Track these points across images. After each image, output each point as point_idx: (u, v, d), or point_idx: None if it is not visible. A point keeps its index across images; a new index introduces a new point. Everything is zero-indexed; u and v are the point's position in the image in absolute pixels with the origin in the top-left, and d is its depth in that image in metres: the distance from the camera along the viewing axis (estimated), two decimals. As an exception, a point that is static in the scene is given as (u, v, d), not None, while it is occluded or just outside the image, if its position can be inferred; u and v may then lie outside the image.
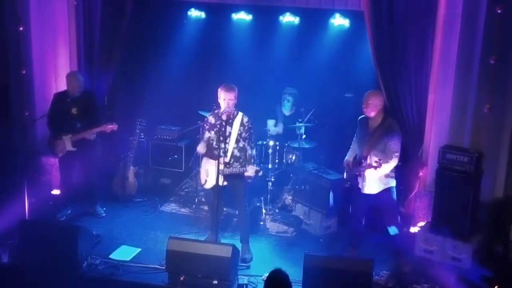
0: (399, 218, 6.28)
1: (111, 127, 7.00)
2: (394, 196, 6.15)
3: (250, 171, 6.19)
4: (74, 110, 6.95)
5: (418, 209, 6.85)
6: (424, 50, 6.57)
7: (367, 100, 5.99)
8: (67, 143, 6.99)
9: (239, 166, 6.27)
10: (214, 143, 6.29)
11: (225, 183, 6.28)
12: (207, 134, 6.38)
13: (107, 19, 7.57)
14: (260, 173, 6.30)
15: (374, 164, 5.74)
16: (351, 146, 6.35)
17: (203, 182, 6.47)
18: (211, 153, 6.35)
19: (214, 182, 6.22)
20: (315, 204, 7.17)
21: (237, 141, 6.31)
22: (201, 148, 6.41)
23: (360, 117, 6.18)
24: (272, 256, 6.61)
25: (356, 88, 7.56)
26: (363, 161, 6.01)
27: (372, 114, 5.99)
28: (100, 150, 7.40)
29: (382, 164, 5.77)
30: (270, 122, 8.04)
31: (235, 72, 8.11)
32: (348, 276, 5.54)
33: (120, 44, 7.66)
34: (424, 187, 6.81)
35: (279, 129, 7.95)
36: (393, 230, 6.17)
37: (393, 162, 5.88)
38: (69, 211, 7.34)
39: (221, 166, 6.19)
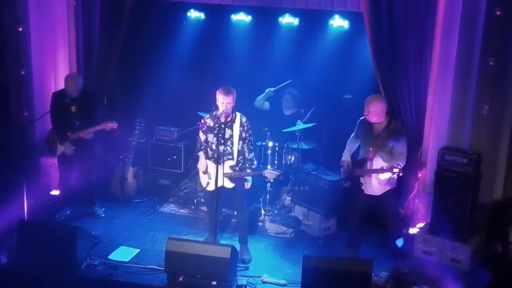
0: (399, 219, 6.27)
1: (111, 125, 7.01)
2: (396, 197, 6.14)
3: (269, 175, 6.20)
4: (73, 108, 6.97)
5: (417, 211, 6.85)
6: (424, 51, 6.58)
7: (368, 108, 5.96)
8: (66, 143, 6.99)
9: (249, 170, 6.28)
10: (214, 146, 6.29)
11: (233, 185, 6.29)
12: (202, 137, 6.36)
13: (107, 19, 7.57)
14: (281, 177, 6.30)
15: (395, 170, 5.68)
16: (346, 146, 6.34)
17: (204, 184, 6.46)
18: (211, 156, 6.35)
19: (214, 186, 6.22)
20: (314, 205, 7.17)
21: (238, 143, 6.31)
22: (201, 166, 6.44)
23: (361, 118, 6.17)
24: (271, 257, 6.61)
25: (355, 89, 7.58)
26: (368, 162, 6.01)
27: (375, 119, 5.98)
28: (99, 150, 7.39)
29: (398, 168, 5.73)
30: (260, 97, 8.04)
31: (234, 73, 8.11)
32: (347, 277, 5.53)
33: (119, 45, 7.67)
34: (423, 188, 6.81)
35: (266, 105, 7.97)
36: (400, 241, 6.18)
37: (402, 164, 5.87)
38: (68, 212, 7.34)
39: (228, 170, 6.20)
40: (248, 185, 6.39)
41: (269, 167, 7.51)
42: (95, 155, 7.32)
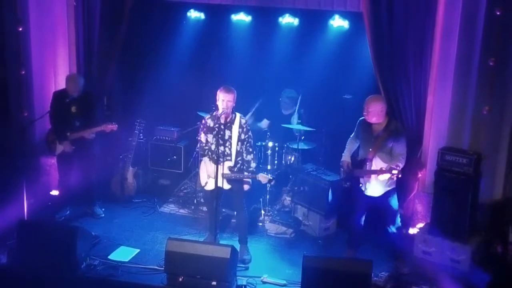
0: (399, 220, 6.26)
1: (111, 127, 7.01)
2: (396, 198, 6.14)
3: (262, 179, 6.18)
4: (73, 109, 6.96)
5: (417, 211, 6.85)
6: (423, 51, 6.58)
7: (367, 108, 5.95)
8: (65, 142, 6.99)
9: (246, 173, 6.27)
10: (213, 146, 6.29)
11: (229, 186, 6.29)
12: (203, 138, 6.36)
13: (106, 19, 7.58)
14: (273, 183, 6.28)
15: (394, 172, 5.68)
16: (346, 146, 6.34)
17: (203, 183, 6.47)
18: (211, 156, 6.36)
19: (213, 185, 6.22)
20: (314, 205, 7.17)
21: (237, 145, 6.31)
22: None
23: (361, 119, 6.16)
24: (271, 257, 6.61)
25: (355, 89, 7.59)
26: (367, 163, 6.01)
27: (374, 120, 5.98)
28: (98, 150, 7.39)
29: (397, 169, 5.73)
30: (265, 122, 8.05)
31: (234, 73, 8.11)
32: (347, 277, 5.53)
33: (119, 45, 7.67)
34: (423, 188, 6.81)
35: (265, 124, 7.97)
36: (391, 228, 6.16)
37: (401, 165, 5.86)
38: (68, 212, 7.33)
39: (226, 170, 6.20)
40: (247, 187, 6.39)
41: (269, 167, 7.53)
42: (94, 155, 7.32)
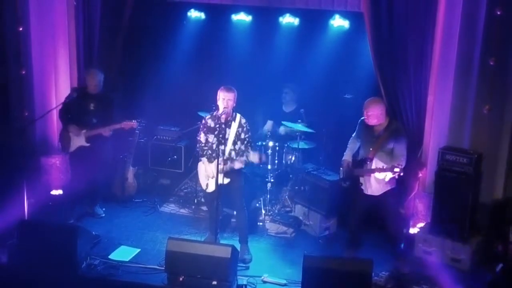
0: (399, 219, 6.27)
1: (131, 124, 6.99)
2: (396, 197, 6.14)
3: (253, 157, 6.16)
4: (92, 106, 6.95)
5: (417, 210, 6.85)
6: (424, 51, 6.58)
7: (366, 112, 5.96)
8: (80, 138, 6.98)
9: (237, 162, 6.26)
10: (214, 146, 6.29)
11: (228, 179, 6.28)
12: (203, 137, 6.36)
13: (107, 19, 7.58)
14: (264, 159, 6.26)
15: (396, 170, 5.67)
16: (348, 146, 6.35)
17: (204, 186, 6.47)
18: (210, 155, 6.35)
19: (214, 186, 6.22)
20: (315, 205, 7.17)
21: (234, 143, 6.30)
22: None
23: (362, 119, 6.16)
24: (271, 257, 6.62)
25: (355, 89, 7.61)
26: (368, 162, 6.01)
27: (374, 122, 5.98)
28: (112, 147, 7.37)
29: (399, 167, 5.73)
30: (269, 123, 8.07)
31: (234, 73, 8.12)
32: (347, 277, 5.53)
33: (119, 45, 7.68)
34: (424, 188, 6.81)
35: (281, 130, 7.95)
36: (397, 248, 6.21)
37: (402, 164, 5.87)
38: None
39: (220, 166, 6.20)
40: (255, 156, 6.24)
41: (269, 166, 7.52)
42: (108, 152, 7.28)
